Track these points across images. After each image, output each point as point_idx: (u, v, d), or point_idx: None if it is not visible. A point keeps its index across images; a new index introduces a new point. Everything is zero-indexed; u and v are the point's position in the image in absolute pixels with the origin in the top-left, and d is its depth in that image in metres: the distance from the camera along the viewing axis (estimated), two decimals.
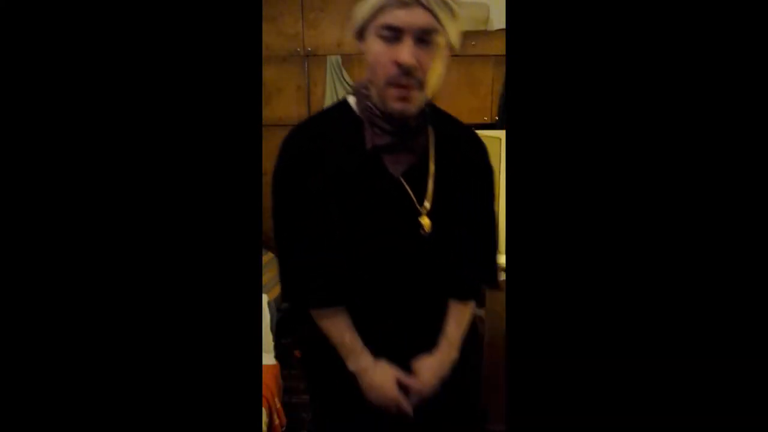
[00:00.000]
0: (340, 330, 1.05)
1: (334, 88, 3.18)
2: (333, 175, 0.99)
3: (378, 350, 1.05)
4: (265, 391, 1.91)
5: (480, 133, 1.20)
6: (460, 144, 1.09)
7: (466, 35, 3.23)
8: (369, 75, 0.98)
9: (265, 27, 3.06)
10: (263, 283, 2.47)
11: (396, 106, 0.95)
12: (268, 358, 2.16)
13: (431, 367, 1.05)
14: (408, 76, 0.91)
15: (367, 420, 1.09)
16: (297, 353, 2.38)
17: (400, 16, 0.89)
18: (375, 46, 0.92)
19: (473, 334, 1.17)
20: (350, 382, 1.06)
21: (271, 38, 3.17)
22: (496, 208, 1.18)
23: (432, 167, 1.02)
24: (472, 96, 3.27)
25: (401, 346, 1.05)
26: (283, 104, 3.23)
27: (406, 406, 1.03)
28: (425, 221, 1.01)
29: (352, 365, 1.05)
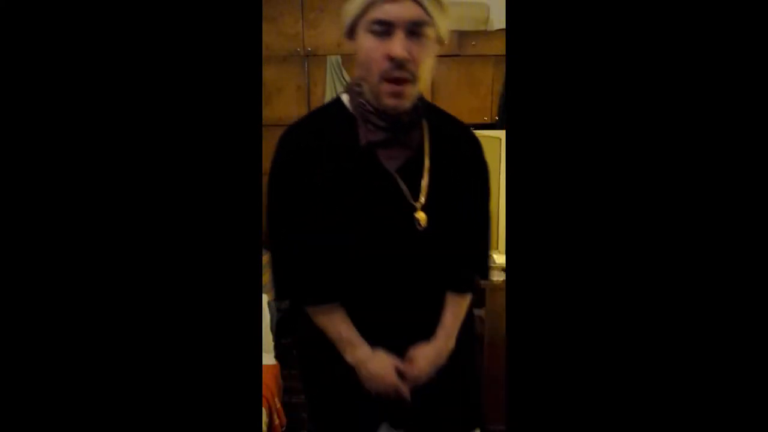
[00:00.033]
0: (336, 324, 1.05)
1: (334, 88, 3.18)
2: (328, 172, 1.00)
3: (375, 345, 1.05)
4: (265, 391, 1.91)
5: (480, 133, 1.21)
6: (454, 138, 1.10)
7: (466, 35, 3.23)
8: (361, 72, 0.98)
9: (265, 27, 3.06)
10: (263, 283, 2.47)
11: (390, 101, 0.95)
12: (268, 358, 2.16)
13: (427, 355, 1.06)
14: (401, 70, 0.92)
15: (363, 416, 1.09)
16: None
17: (390, 10, 0.90)
18: (366, 42, 0.93)
19: (470, 328, 1.17)
20: (346, 379, 1.06)
21: (271, 38, 3.17)
22: (493, 205, 1.19)
23: (427, 161, 1.03)
24: (472, 96, 3.27)
25: (398, 340, 1.05)
26: (283, 104, 3.23)
27: (405, 392, 1.03)
28: (421, 216, 1.01)
29: (350, 357, 1.05)
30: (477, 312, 2.33)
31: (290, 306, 1.18)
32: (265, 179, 0.92)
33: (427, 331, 1.08)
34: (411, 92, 0.95)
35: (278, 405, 2.04)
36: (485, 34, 3.27)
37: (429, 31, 0.92)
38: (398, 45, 0.90)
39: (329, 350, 1.07)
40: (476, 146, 1.13)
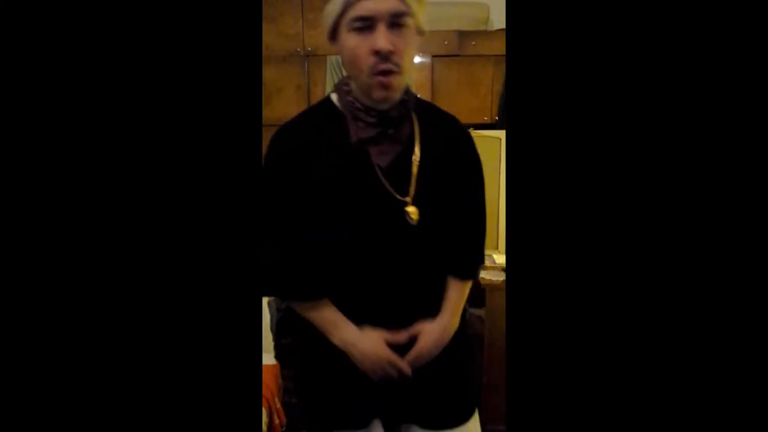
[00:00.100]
0: (321, 310, 1.06)
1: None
2: (319, 170, 1.01)
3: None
4: (265, 391, 1.91)
5: (480, 133, 1.22)
6: (444, 131, 1.11)
7: (466, 35, 3.23)
8: (348, 70, 1.00)
9: (265, 27, 3.06)
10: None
11: (380, 93, 0.97)
12: (268, 358, 2.16)
13: (432, 332, 1.06)
14: (387, 62, 0.94)
15: (361, 414, 1.09)
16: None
17: (369, 6, 0.91)
18: (350, 41, 0.95)
19: (463, 313, 1.17)
20: (344, 378, 1.07)
21: (271, 38, 3.17)
22: (492, 205, 1.19)
23: (416, 155, 1.04)
24: (472, 96, 3.27)
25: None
26: (283, 104, 3.23)
27: (404, 366, 1.03)
28: (411, 210, 1.02)
29: (337, 340, 1.05)
30: (477, 312, 2.34)
31: (289, 306, 1.18)
32: None
33: (414, 323, 1.07)
34: (399, 83, 0.97)
35: (278, 405, 2.04)
36: (485, 34, 3.27)
37: (409, 22, 0.94)
38: (381, 38, 0.92)
39: (328, 350, 1.07)
40: (466, 138, 1.14)
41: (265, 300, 2.27)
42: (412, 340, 1.05)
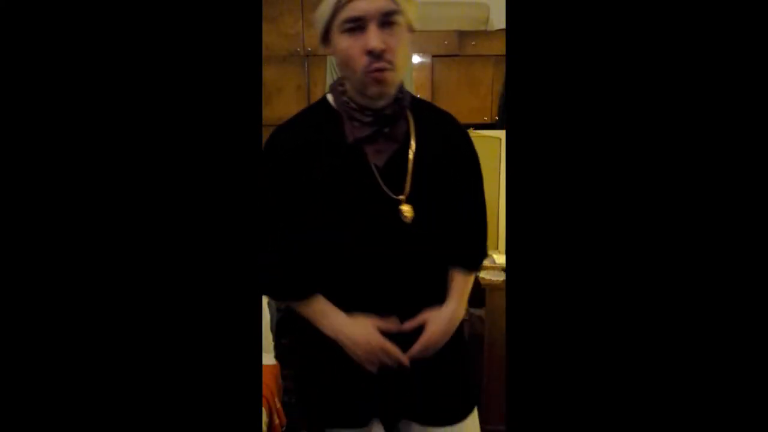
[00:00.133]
0: (309, 302, 1.06)
1: None
2: (315, 170, 1.02)
3: None
4: (265, 391, 1.91)
5: (480, 133, 1.22)
6: (440, 128, 1.11)
7: (466, 35, 3.23)
8: (342, 71, 1.01)
9: (265, 27, 3.06)
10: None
11: (374, 90, 0.97)
12: (268, 358, 2.16)
13: (439, 320, 1.05)
14: (380, 60, 0.94)
15: (361, 413, 1.09)
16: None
17: (359, 6, 0.92)
18: (342, 42, 0.96)
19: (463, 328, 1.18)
20: (343, 377, 1.07)
21: (271, 38, 3.17)
22: (492, 205, 1.19)
23: (411, 153, 1.04)
24: (472, 96, 3.27)
25: (388, 334, 1.05)
26: (283, 104, 3.23)
27: (399, 354, 1.02)
28: (405, 208, 1.02)
29: (327, 329, 1.04)
30: (477, 312, 2.34)
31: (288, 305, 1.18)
32: None
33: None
34: (393, 78, 0.98)
35: (278, 405, 2.04)
36: (485, 34, 3.27)
37: (399, 20, 0.95)
38: (373, 37, 0.93)
39: (328, 350, 1.07)
40: (463, 134, 1.15)
41: (265, 300, 2.27)
42: (416, 332, 1.04)
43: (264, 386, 1.91)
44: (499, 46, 3.22)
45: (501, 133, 2.47)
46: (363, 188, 1.02)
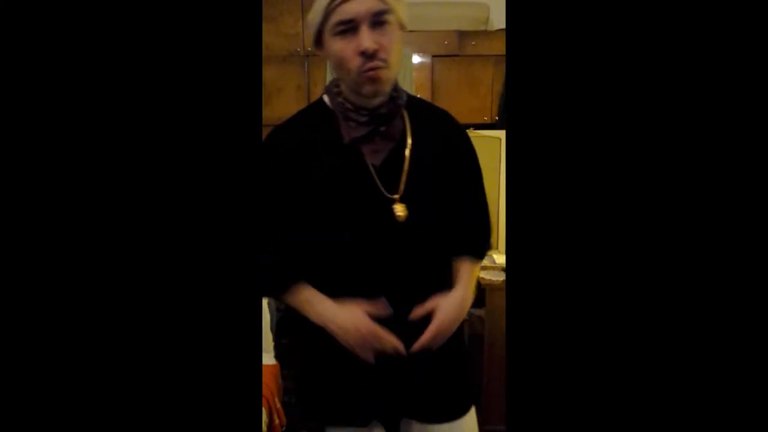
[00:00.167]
0: (295, 293, 1.05)
1: None
2: (312, 171, 1.03)
3: None
4: (265, 391, 1.91)
5: (480, 133, 1.22)
6: (436, 125, 1.11)
7: (466, 35, 3.23)
8: (337, 73, 1.02)
9: (265, 27, 3.06)
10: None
11: (369, 88, 0.98)
12: (268, 358, 2.16)
13: (449, 306, 1.05)
14: (373, 60, 0.95)
15: (361, 412, 1.09)
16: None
17: (349, 9, 0.93)
18: (335, 45, 0.97)
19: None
20: (343, 377, 1.07)
21: (271, 38, 3.17)
22: (492, 205, 1.19)
23: (407, 152, 1.05)
24: (472, 96, 3.27)
25: (393, 327, 1.05)
26: (283, 104, 3.23)
27: (394, 339, 1.00)
28: (398, 207, 1.02)
29: (315, 318, 1.04)
30: (477, 312, 2.34)
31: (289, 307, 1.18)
32: None
33: (410, 322, 1.07)
34: (387, 76, 0.98)
35: (278, 405, 2.04)
36: (485, 34, 3.27)
37: (390, 18, 0.96)
38: (366, 38, 0.94)
39: (328, 350, 1.07)
40: (459, 130, 1.15)
41: (265, 300, 2.27)
42: (419, 324, 1.03)
43: (264, 386, 1.91)
44: (499, 46, 3.22)
45: (501, 133, 2.47)
46: (359, 188, 1.03)
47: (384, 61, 0.96)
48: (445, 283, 1.11)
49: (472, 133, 1.74)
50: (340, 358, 1.06)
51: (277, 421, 1.98)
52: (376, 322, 1.00)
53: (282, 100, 3.24)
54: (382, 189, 1.02)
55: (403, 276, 1.04)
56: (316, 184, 1.03)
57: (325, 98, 1.09)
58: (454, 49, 3.23)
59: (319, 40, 1.00)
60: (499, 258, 2.31)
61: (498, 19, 3.38)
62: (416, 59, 3.23)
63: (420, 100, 1.17)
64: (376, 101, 1.01)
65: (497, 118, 3.19)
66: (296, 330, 1.17)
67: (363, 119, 1.02)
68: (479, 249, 1.18)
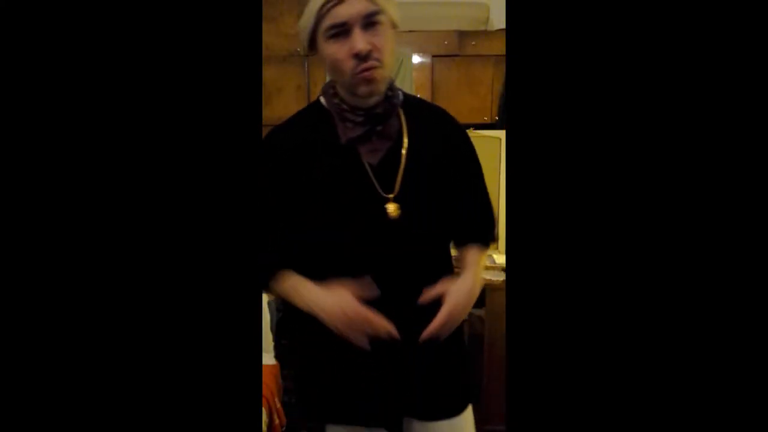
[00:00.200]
0: (280, 281, 1.05)
1: None
2: (309, 171, 1.03)
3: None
4: (265, 391, 1.91)
5: (480, 133, 1.23)
6: (433, 123, 1.12)
7: (466, 35, 3.23)
8: (332, 75, 1.03)
9: (265, 27, 3.06)
10: None
11: (364, 89, 0.98)
12: (268, 358, 2.16)
13: (459, 291, 1.04)
14: (367, 60, 0.96)
15: (362, 411, 1.09)
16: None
17: (341, 12, 0.94)
18: (329, 49, 0.97)
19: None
20: (344, 377, 1.07)
21: (271, 38, 3.17)
22: (492, 204, 1.19)
23: (403, 151, 1.05)
24: (472, 96, 3.27)
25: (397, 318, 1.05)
26: (283, 104, 3.23)
27: (384, 322, 0.97)
28: (391, 206, 1.03)
29: (301, 304, 1.03)
30: (477, 312, 2.34)
31: (288, 306, 1.19)
32: None
33: (407, 321, 1.07)
34: (382, 75, 0.99)
35: (278, 405, 2.04)
36: (485, 34, 3.27)
37: (382, 19, 0.96)
38: (358, 40, 0.94)
39: (328, 350, 1.07)
40: (456, 127, 1.16)
41: (265, 300, 2.27)
42: (421, 316, 1.01)
43: (264, 386, 1.91)
44: (499, 46, 3.22)
45: (501, 133, 2.47)
46: (355, 187, 1.03)
47: (378, 60, 0.96)
48: (435, 280, 1.10)
49: (472, 133, 1.74)
50: (340, 358, 1.06)
51: (277, 421, 1.99)
52: (373, 309, 0.97)
53: (282, 100, 3.24)
54: (378, 188, 1.03)
55: (398, 275, 1.04)
56: (314, 184, 1.03)
57: (322, 100, 1.10)
58: (454, 49, 3.23)
59: (312, 43, 1.01)
60: (499, 258, 2.31)
61: (498, 19, 3.38)
62: (416, 59, 3.23)
63: (416, 98, 1.17)
64: (372, 101, 1.02)
65: (497, 118, 3.19)
66: (296, 330, 1.17)
67: (359, 119, 1.03)
68: (485, 237, 1.17)
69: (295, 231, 1.04)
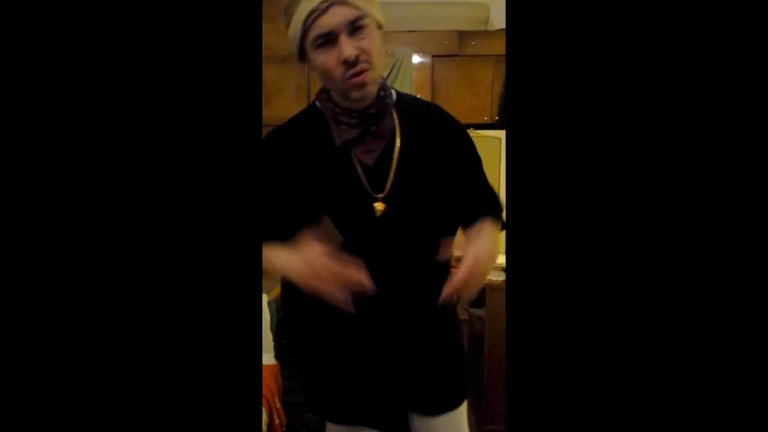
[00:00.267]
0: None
1: None
2: (305, 174, 1.05)
3: (351, 338, 1.07)
4: (265, 391, 1.91)
5: (480, 133, 1.23)
6: (427, 120, 1.13)
7: (466, 35, 3.23)
8: (324, 82, 1.04)
9: (265, 27, 3.05)
10: (263, 282, 2.47)
11: (356, 94, 1.00)
12: (268, 358, 2.16)
13: (478, 248, 1.00)
14: (357, 65, 0.97)
15: (362, 411, 1.10)
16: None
17: (325, 22, 0.95)
18: (318, 58, 0.98)
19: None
20: (345, 377, 1.08)
21: (271, 38, 3.16)
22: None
23: (395, 152, 1.06)
24: (472, 96, 3.27)
25: (376, 334, 1.07)
26: (283, 104, 3.23)
27: (358, 274, 0.93)
28: (379, 206, 1.04)
29: (274, 271, 1.01)
30: (477, 312, 2.34)
31: (288, 305, 1.19)
32: None
33: (403, 320, 1.08)
34: (372, 77, 1.00)
35: (278, 405, 2.04)
36: (485, 34, 3.28)
37: (367, 22, 0.97)
38: (346, 47, 0.95)
39: (328, 350, 1.07)
40: (452, 123, 1.16)
41: (265, 300, 2.27)
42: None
43: (264, 386, 1.91)
44: (499, 46, 3.23)
45: (501, 133, 2.47)
46: (347, 188, 1.04)
47: (367, 63, 0.98)
48: (435, 279, 1.10)
49: (472, 133, 1.74)
50: (340, 358, 1.06)
51: (277, 421, 1.99)
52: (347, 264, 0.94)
53: (282, 100, 3.25)
54: (368, 188, 1.04)
55: (391, 274, 1.04)
56: (309, 184, 1.04)
57: (317, 103, 1.11)
58: (454, 49, 3.24)
59: (302, 53, 1.02)
60: (499, 258, 2.31)
61: (498, 19, 3.39)
62: (416, 59, 3.23)
63: (410, 97, 1.18)
64: (365, 103, 1.03)
65: (497, 118, 3.19)
66: (297, 330, 1.17)
67: (353, 121, 1.04)
68: (496, 214, 1.15)
69: (291, 231, 1.04)
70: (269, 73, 3.17)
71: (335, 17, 0.94)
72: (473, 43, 3.23)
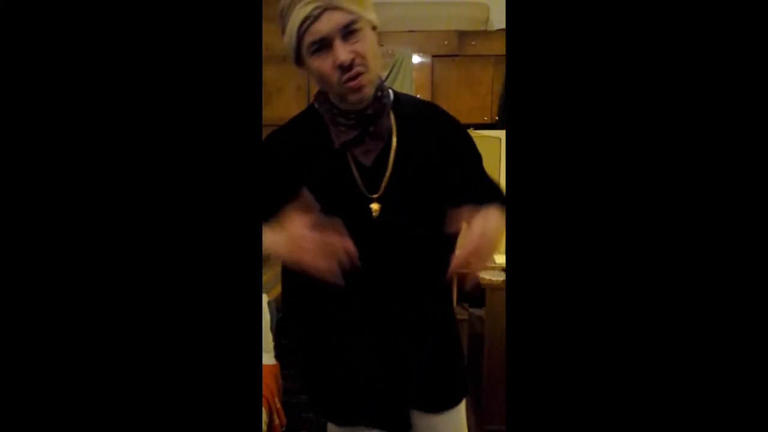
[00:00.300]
0: None
1: None
2: (305, 173, 1.05)
3: (350, 339, 1.07)
4: (265, 391, 1.91)
5: (480, 133, 1.23)
6: (425, 120, 1.13)
7: (466, 35, 3.23)
8: (321, 87, 1.05)
9: (265, 27, 3.05)
10: (263, 282, 2.47)
11: (353, 97, 1.00)
12: (268, 358, 2.16)
13: (485, 219, 0.97)
14: (352, 68, 0.97)
15: (363, 411, 1.11)
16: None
17: (319, 28, 0.95)
18: (314, 63, 0.99)
19: (448, 295, 1.18)
20: (345, 377, 1.08)
21: (271, 38, 3.15)
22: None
23: (392, 152, 1.07)
24: (472, 96, 3.27)
25: (374, 336, 1.07)
26: (283, 104, 3.23)
27: (342, 241, 0.92)
28: (374, 207, 1.05)
29: (268, 254, 0.99)
30: (477, 312, 2.34)
31: (288, 305, 1.19)
32: None
33: (401, 320, 1.08)
34: (369, 79, 1.00)
35: (278, 405, 2.04)
36: (485, 34, 3.28)
37: (360, 25, 0.97)
38: (341, 52, 0.96)
39: (328, 350, 1.08)
40: (449, 121, 1.16)
41: (265, 300, 2.27)
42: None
43: (264, 386, 1.91)
44: (499, 46, 3.23)
45: (501, 133, 2.47)
46: (344, 189, 1.05)
47: (363, 65, 0.98)
48: (430, 279, 1.10)
49: (472, 133, 1.74)
50: (340, 358, 1.06)
51: (277, 421, 1.99)
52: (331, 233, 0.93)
53: (282, 100, 3.25)
54: (363, 189, 1.04)
55: (387, 274, 1.05)
56: (307, 186, 1.04)
57: (316, 105, 1.11)
58: (454, 49, 3.24)
59: (298, 59, 1.02)
60: (499, 258, 2.31)
61: (498, 19, 3.39)
62: (416, 59, 3.23)
63: (408, 97, 1.18)
64: (363, 104, 1.03)
65: (497, 118, 3.20)
66: (297, 330, 1.17)
67: (351, 122, 1.04)
68: (500, 200, 1.11)
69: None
70: (269, 73, 3.17)
71: (328, 23, 0.95)
72: (473, 43, 3.23)
